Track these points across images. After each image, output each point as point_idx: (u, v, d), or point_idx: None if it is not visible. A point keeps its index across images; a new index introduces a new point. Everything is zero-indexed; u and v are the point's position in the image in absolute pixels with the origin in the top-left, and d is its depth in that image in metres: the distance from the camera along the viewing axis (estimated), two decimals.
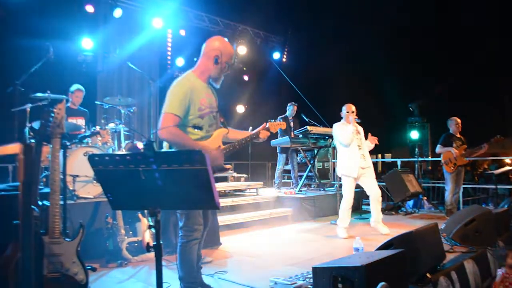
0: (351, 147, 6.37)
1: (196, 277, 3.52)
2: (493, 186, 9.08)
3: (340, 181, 6.61)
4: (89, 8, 9.37)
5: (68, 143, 4.04)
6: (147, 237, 5.01)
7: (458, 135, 8.20)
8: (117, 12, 9.80)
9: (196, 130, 3.37)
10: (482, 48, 14.49)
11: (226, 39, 3.59)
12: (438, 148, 8.26)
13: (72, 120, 6.83)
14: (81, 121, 7.00)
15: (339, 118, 6.68)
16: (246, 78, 13.30)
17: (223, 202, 7.31)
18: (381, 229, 6.39)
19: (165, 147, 3.51)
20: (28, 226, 1.77)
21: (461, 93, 16.02)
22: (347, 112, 6.50)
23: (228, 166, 3.53)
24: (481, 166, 14.59)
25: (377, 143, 6.56)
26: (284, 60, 14.08)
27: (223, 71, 3.53)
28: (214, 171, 3.27)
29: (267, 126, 3.86)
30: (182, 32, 11.38)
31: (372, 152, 6.75)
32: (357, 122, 6.57)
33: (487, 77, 15.33)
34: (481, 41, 14.51)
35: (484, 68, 15.03)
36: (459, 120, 8.22)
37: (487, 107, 16.06)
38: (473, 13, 13.58)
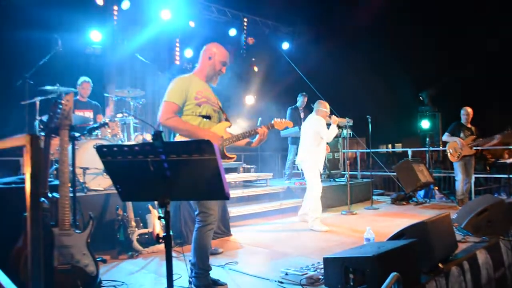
0: (324, 142, 6.58)
1: (209, 266, 3.55)
2: (506, 176, 8.98)
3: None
4: (99, 1, 9.34)
5: (77, 135, 4.04)
6: (158, 228, 5.02)
7: (469, 125, 8.15)
8: (125, 4, 9.78)
9: (205, 119, 3.58)
10: (495, 35, 14.30)
11: (221, 45, 3.91)
12: (445, 137, 8.26)
13: (79, 113, 6.84)
14: (89, 114, 7.01)
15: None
16: (256, 69, 13.23)
17: (233, 193, 7.30)
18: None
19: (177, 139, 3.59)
20: (36, 218, 1.76)
21: (473, 82, 15.84)
22: (327, 110, 6.68)
23: (232, 155, 3.73)
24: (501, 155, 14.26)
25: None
26: (293, 50, 13.97)
27: (216, 68, 3.80)
28: None
29: (271, 122, 4.04)
30: (191, 24, 11.30)
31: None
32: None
33: (500, 66, 15.15)
34: (494, 29, 14.31)
35: (498, 56, 14.85)
36: (470, 110, 8.15)
37: (500, 97, 15.87)
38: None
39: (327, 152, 9.22)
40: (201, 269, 3.47)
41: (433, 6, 14.90)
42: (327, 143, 6.77)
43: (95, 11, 9.49)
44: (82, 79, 7.10)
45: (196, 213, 3.52)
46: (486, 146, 8.30)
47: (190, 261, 3.59)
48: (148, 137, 7.07)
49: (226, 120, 3.87)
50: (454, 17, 14.93)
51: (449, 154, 8.16)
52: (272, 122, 4.05)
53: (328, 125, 6.54)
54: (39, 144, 1.74)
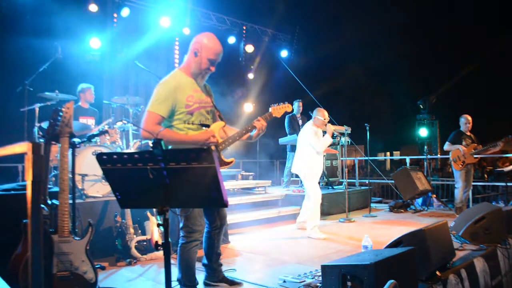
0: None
1: (194, 281, 3.42)
2: (503, 184, 9.00)
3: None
4: (93, 8, 9.38)
5: (76, 142, 4.05)
6: (156, 235, 5.02)
7: (468, 133, 8.17)
8: (125, 12, 9.85)
9: (203, 128, 3.38)
10: (494, 42, 14.38)
11: (214, 36, 3.41)
12: (447, 145, 8.26)
13: (82, 120, 6.85)
14: (91, 121, 7.01)
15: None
16: (251, 76, 13.28)
17: (232, 200, 7.31)
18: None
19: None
20: (36, 224, 1.77)
21: (471, 90, 15.89)
22: (324, 119, 6.42)
23: (230, 160, 3.48)
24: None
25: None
26: (292, 57, 14.04)
27: (202, 67, 3.36)
28: None
29: (269, 112, 3.72)
30: (185, 31, 11.30)
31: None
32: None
33: (497, 74, 15.22)
34: (492, 38, 14.40)
35: (494, 65, 14.92)
36: (470, 118, 8.16)
37: (497, 105, 15.92)
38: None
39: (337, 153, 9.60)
40: (186, 285, 3.37)
41: (431, 13, 15.00)
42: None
43: (95, 19, 9.55)
44: (86, 85, 7.04)
45: (180, 226, 3.36)
46: (487, 154, 8.30)
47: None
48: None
49: (220, 117, 3.59)
50: (453, 21, 15.01)
51: (452, 163, 8.17)
52: (270, 110, 3.72)
53: (325, 133, 6.47)
54: (40, 151, 1.76)
